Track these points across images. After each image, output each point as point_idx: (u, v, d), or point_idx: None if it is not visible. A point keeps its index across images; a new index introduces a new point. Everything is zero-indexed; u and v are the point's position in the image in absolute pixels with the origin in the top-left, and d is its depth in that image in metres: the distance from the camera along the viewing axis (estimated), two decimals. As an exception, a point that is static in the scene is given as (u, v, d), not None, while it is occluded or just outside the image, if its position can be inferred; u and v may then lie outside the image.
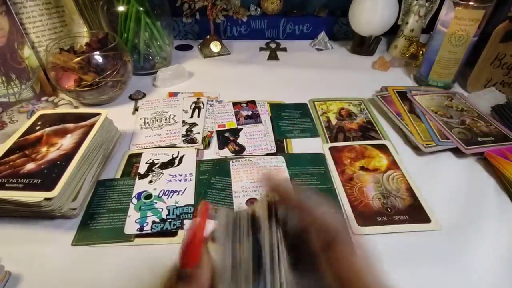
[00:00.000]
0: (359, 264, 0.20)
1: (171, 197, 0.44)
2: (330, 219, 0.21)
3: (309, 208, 0.22)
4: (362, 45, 0.83)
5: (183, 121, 0.59)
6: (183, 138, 0.55)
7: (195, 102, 0.64)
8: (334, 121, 0.60)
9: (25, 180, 0.39)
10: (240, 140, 0.55)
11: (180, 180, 0.47)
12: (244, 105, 0.63)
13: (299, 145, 0.55)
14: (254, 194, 0.45)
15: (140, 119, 0.59)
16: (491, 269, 0.37)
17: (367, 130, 0.58)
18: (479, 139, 0.53)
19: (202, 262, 0.20)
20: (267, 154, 0.52)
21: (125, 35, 0.68)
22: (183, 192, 0.45)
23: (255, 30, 0.89)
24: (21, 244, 0.39)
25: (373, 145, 0.54)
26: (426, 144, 0.53)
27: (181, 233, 0.40)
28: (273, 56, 0.83)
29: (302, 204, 0.22)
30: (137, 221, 0.41)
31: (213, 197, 0.45)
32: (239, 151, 0.53)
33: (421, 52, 0.78)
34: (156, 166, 0.49)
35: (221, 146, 0.54)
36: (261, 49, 0.86)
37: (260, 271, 0.20)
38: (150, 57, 0.73)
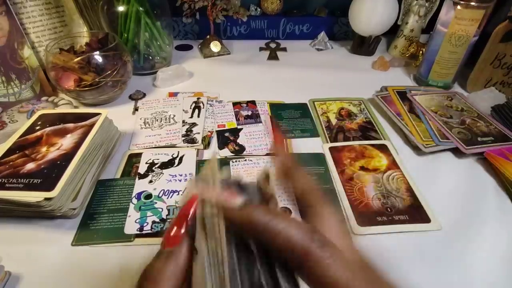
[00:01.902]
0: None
1: (171, 197, 0.44)
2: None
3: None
4: (362, 45, 0.83)
5: (183, 121, 0.59)
6: (183, 138, 0.55)
7: (195, 102, 0.64)
8: (334, 121, 0.60)
9: (25, 180, 0.39)
10: (240, 140, 0.55)
11: (180, 180, 0.47)
12: (244, 105, 0.63)
13: (299, 145, 0.55)
14: (254, 194, 0.45)
15: (140, 119, 0.59)
16: (491, 269, 0.37)
17: (367, 130, 0.58)
18: (479, 139, 0.53)
19: (182, 242, 0.20)
20: (267, 154, 0.52)
21: (125, 35, 0.68)
22: (183, 192, 0.45)
23: (255, 30, 0.89)
24: (21, 244, 0.39)
25: (373, 145, 0.54)
26: (426, 144, 0.53)
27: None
28: (273, 56, 0.83)
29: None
30: (137, 221, 0.41)
31: (213, 197, 0.45)
32: (239, 151, 0.53)
33: (421, 52, 0.78)
34: (156, 166, 0.49)
35: (221, 146, 0.54)
36: (261, 49, 0.86)
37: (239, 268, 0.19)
38: (150, 57, 0.73)
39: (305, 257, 0.17)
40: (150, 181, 0.47)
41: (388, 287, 0.18)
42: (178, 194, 0.45)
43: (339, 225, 0.21)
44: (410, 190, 0.46)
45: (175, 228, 0.20)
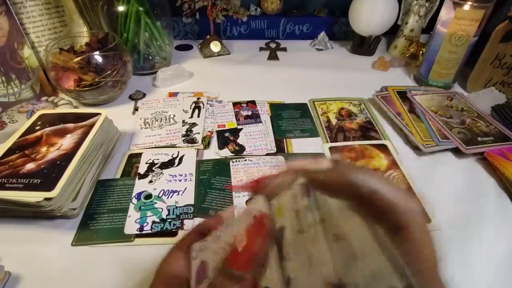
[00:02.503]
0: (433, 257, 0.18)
1: (171, 197, 0.44)
2: (400, 199, 0.18)
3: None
4: (362, 45, 0.83)
5: (183, 121, 0.59)
6: (183, 138, 0.55)
7: (195, 102, 0.64)
8: (334, 121, 0.60)
9: (25, 180, 0.39)
10: (240, 140, 0.55)
11: (180, 180, 0.47)
12: (244, 105, 0.63)
13: (299, 145, 0.55)
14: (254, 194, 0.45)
15: (140, 119, 0.59)
16: (491, 269, 0.37)
17: (367, 130, 0.58)
18: (479, 139, 0.53)
19: (250, 271, 0.21)
20: (267, 154, 0.52)
21: (125, 35, 0.68)
22: (183, 192, 0.45)
23: (255, 30, 0.89)
24: (21, 244, 0.39)
25: (373, 145, 0.54)
26: (426, 144, 0.53)
27: (181, 233, 0.40)
28: (273, 56, 0.83)
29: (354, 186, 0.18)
30: (137, 221, 0.41)
31: (213, 197, 0.45)
32: (239, 151, 0.53)
33: (421, 52, 0.78)
34: (156, 166, 0.49)
35: (221, 146, 0.54)
36: (261, 49, 0.86)
37: None
38: (150, 57, 0.73)
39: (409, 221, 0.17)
40: (150, 181, 0.47)
41: None
42: (178, 194, 0.45)
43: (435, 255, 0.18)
44: (410, 190, 0.46)
45: (244, 253, 0.21)
